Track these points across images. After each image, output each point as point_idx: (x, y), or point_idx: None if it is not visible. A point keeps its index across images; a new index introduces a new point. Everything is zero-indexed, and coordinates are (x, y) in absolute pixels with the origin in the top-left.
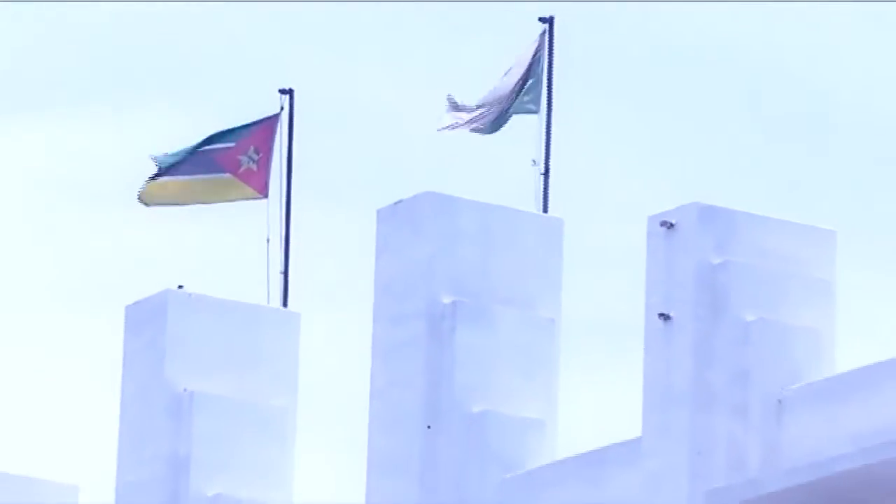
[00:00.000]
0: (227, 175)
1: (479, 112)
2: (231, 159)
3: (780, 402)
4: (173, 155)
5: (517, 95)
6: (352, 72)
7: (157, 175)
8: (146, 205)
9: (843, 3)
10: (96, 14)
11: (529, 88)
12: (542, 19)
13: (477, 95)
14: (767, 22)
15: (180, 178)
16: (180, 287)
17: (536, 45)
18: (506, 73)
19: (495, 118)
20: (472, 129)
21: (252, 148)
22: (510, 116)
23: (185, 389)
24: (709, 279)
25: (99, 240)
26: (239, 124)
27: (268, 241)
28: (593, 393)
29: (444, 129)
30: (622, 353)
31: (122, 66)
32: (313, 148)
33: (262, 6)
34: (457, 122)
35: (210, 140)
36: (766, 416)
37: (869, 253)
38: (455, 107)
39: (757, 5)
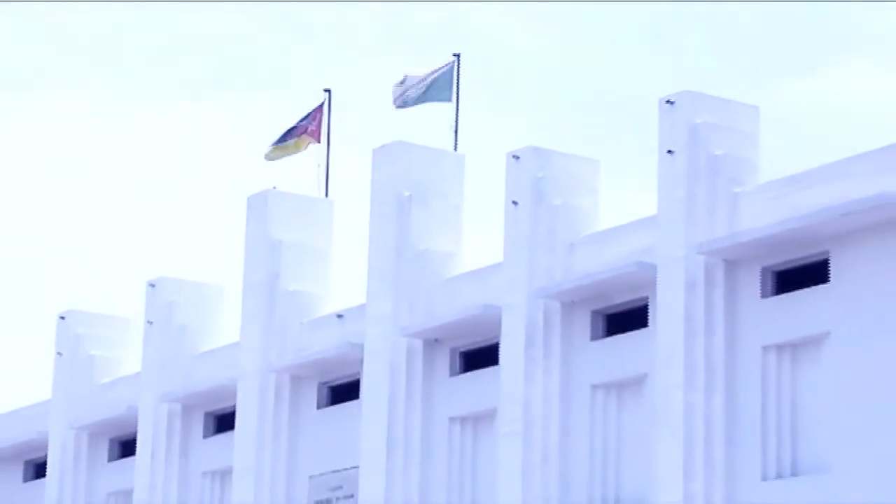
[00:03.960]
0: (304, 135)
1: (400, 94)
2: (304, 128)
3: (572, 245)
4: (282, 135)
5: (426, 89)
6: (360, 78)
7: (273, 143)
8: (267, 160)
9: None
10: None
11: (441, 87)
12: (454, 54)
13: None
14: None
15: (281, 143)
16: (274, 188)
17: (445, 66)
18: (422, 79)
19: (407, 102)
20: (397, 106)
21: (313, 119)
22: (422, 102)
23: (277, 240)
24: (537, 185)
25: (237, 169)
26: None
27: (318, 165)
28: (478, 242)
29: (398, 105)
30: (492, 221)
31: (227, 74)
32: (342, 118)
33: (312, 34)
34: (396, 102)
35: (297, 124)
36: (565, 253)
37: (619, 174)
38: (396, 90)
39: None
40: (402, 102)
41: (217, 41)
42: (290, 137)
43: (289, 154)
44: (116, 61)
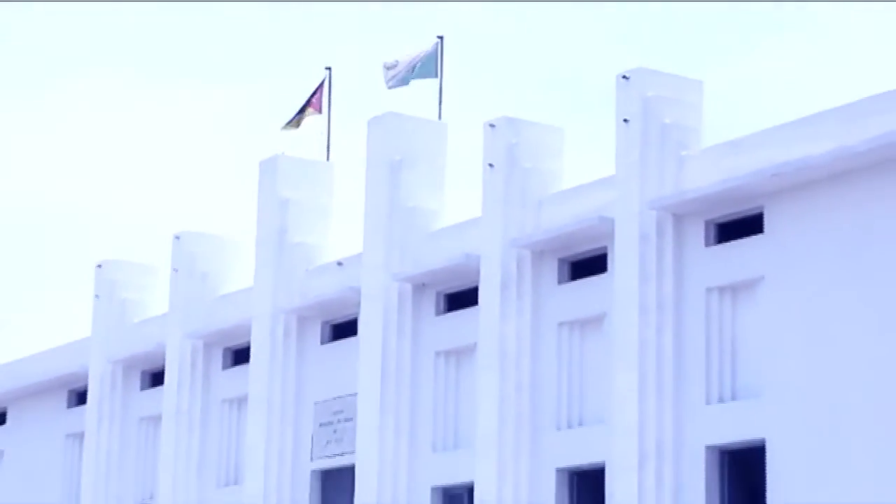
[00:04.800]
0: (311, 108)
1: (392, 76)
2: (310, 102)
3: (540, 202)
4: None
5: (413, 70)
6: (357, 57)
7: (290, 121)
8: (284, 129)
9: None
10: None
11: (427, 65)
12: (438, 36)
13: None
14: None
15: (296, 117)
16: (282, 153)
17: (430, 47)
18: (410, 59)
19: (398, 81)
20: (389, 86)
21: (317, 94)
22: (410, 81)
23: (285, 198)
24: (510, 150)
25: (250, 137)
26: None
27: (321, 133)
28: (459, 199)
29: (390, 86)
30: (472, 181)
31: (243, 56)
32: (341, 93)
33: (315, 19)
34: (389, 83)
35: (308, 99)
36: (535, 209)
37: (582, 140)
38: (386, 72)
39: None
40: (394, 83)
41: (235, 29)
42: (301, 110)
43: (298, 126)
44: (151, 45)
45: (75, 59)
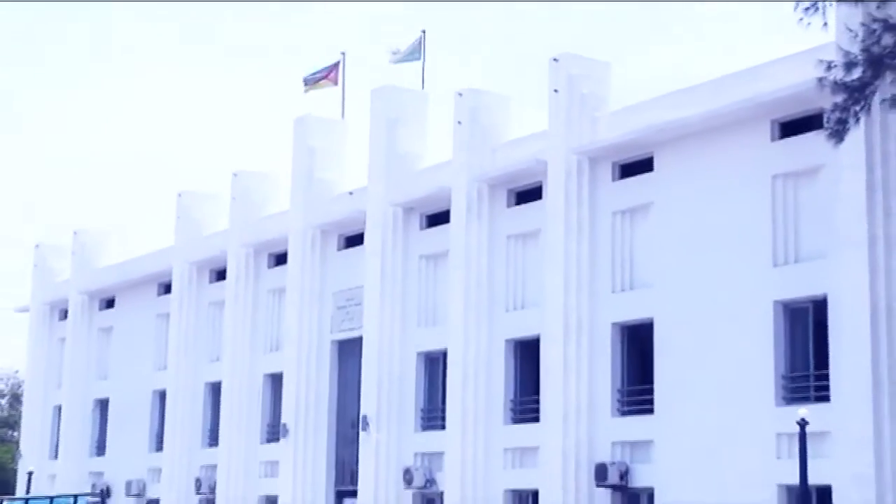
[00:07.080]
0: (326, 79)
1: (393, 57)
2: (325, 74)
3: (494, 149)
4: (311, 73)
5: (405, 53)
6: (362, 46)
7: (307, 82)
8: (305, 91)
9: None
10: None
11: (413, 51)
12: (422, 30)
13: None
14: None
15: (312, 80)
16: (311, 113)
17: (417, 38)
18: (403, 47)
19: (397, 59)
20: (391, 62)
21: (333, 70)
22: (404, 62)
23: (313, 146)
24: (474, 112)
25: (281, 103)
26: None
27: (338, 104)
28: (438, 147)
29: (393, 61)
30: (446, 134)
31: (282, 41)
32: (352, 69)
33: (333, 18)
34: (391, 60)
35: (321, 69)
36: (491, 153)
37: (524, 104)
38: (391, 55)
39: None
40: (393, 60)
41: (275, 23)
42: (319, 77)
43: (318, 88)
44: (223, 37)
45: (167, 47)
